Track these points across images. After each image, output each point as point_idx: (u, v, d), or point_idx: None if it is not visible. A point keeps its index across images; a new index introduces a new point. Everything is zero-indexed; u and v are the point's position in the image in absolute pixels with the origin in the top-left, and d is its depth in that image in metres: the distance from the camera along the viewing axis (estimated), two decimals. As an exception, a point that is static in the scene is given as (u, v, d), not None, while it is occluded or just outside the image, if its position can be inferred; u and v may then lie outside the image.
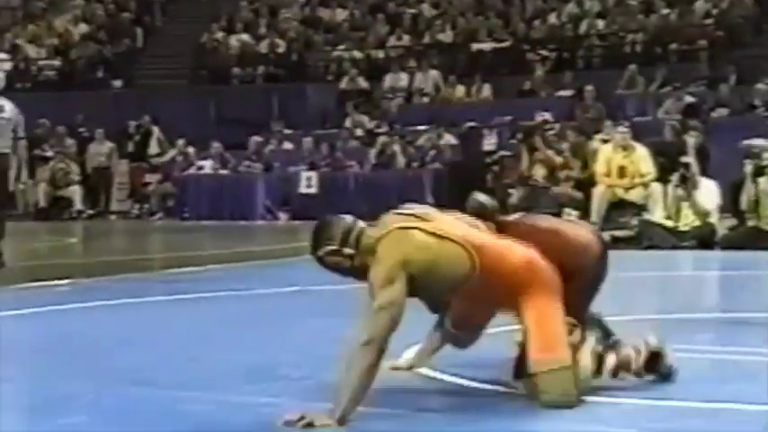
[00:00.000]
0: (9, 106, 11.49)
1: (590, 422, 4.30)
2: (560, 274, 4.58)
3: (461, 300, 4.77)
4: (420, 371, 5.14)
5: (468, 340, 5.08)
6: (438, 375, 5.11)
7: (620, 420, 4.33)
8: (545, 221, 5.34)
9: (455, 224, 4.68)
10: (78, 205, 22.02)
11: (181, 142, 22.13)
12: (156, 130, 23.32)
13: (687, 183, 12.85)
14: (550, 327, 4.47)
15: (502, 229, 5.00)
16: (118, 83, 26.48)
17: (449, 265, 4.49)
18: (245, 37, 26.47)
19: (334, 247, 4.52)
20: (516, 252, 4.59)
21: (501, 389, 4.80)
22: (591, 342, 4.61)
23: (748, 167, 12.82)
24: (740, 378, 4.47)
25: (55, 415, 4.54)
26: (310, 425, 4.15)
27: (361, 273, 4.50)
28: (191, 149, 22.02)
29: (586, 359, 4.53)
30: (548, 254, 4.60)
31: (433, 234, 4.49)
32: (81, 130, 23.59)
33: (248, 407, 4.67)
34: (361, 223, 4.59)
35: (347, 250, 4.51)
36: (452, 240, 4.51)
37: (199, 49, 26.69)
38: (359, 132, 21.96)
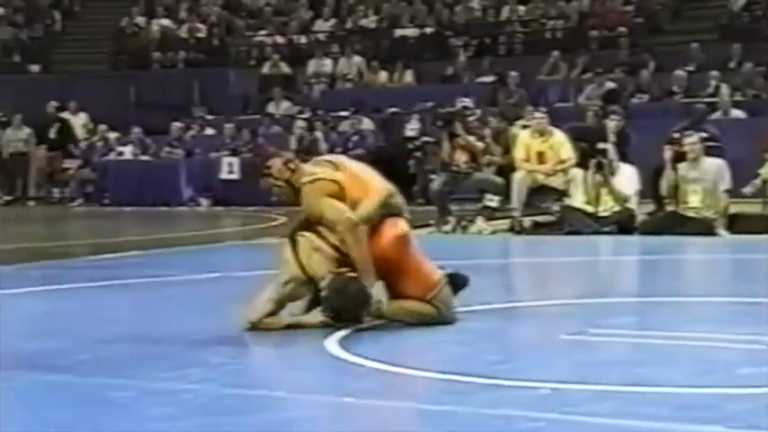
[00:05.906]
0: None
1: (506, 406, 4.31)
2: None
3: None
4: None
5: None
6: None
7: (537, 405, 4.34)
8: None
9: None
10: (-5, 191, 21.76)
11: (103, 127, 21.91)
12: (83, 116, 23.07)
13: (604, 168, 12.92)
14: None
15: None
16: (35, 67, 26.08)
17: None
18: (166, 22, 26.22)
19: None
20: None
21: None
22: None
23: (668, 153, 12.94)
24: (657, 361, 4.52)
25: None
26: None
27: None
28: (111, 135, 21.78)
29: None
30: None
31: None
32: (-3, 114, 23.25)
33: (168, 393, 4.65)
34: None
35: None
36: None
37: (118, 33, 26.38)
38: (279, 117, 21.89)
